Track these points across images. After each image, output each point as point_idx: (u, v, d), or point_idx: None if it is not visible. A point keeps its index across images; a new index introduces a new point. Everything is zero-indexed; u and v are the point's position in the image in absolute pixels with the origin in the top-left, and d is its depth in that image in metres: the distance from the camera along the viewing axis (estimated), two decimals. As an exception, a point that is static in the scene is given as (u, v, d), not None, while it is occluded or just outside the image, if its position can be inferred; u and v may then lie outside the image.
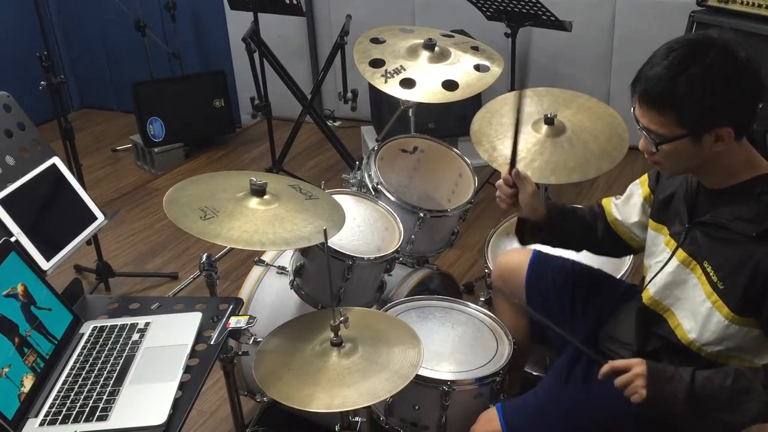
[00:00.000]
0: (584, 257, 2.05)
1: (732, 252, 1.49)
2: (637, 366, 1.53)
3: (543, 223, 1.86)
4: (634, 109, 1.51)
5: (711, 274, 1.52)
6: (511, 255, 2.06)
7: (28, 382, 1.43)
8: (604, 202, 1.91)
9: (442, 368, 1.88)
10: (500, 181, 1.86)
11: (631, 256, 2.21)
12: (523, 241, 1.95)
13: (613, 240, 1.88)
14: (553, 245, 2.00)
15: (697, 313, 1.55)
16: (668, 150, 1.48)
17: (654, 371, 1.52)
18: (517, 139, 1.80)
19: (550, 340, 2.00)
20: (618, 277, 2.13)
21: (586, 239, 1.92)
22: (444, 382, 1.83)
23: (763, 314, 1.47)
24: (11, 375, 1.40)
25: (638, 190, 1.81)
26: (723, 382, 1.47)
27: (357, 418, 1.74)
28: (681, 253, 1.60)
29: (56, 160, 1.90)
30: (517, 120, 1.77)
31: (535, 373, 2.32)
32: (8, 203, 1.70)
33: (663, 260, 1.65)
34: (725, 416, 1.48)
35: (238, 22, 4.52)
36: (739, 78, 1.41)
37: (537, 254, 2.03)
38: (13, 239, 1.64)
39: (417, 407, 1.88)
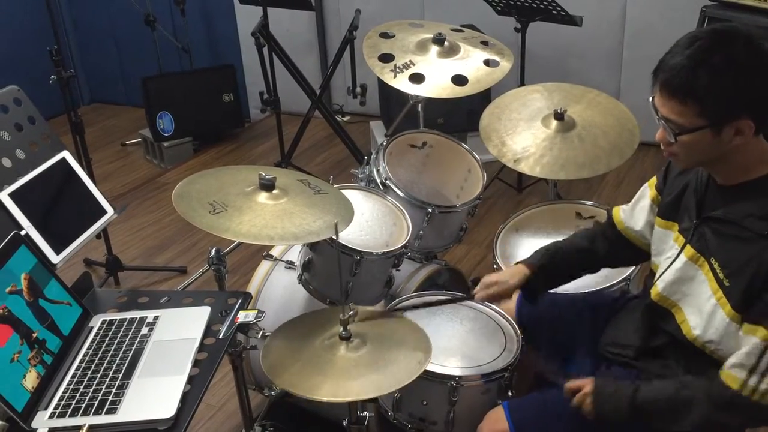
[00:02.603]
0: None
1: (741, 249, 1.47)
2: (587, 385, 1.62)
3: (536, 280, 1.87)
4: (653, 99, 1.49)
5: (718, 271, 1.51)
6: (500, 306, 2.06)
7: (35, 376, 1.44)
8: (614, 211, 1.90)
9: (450, 364, 1.88)
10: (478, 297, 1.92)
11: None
12: (536, 301, 1.94)
13: (625, 247, 1.87)
14: (563, 284, 1.97)
15: (703, 309, 1.55)
16: (686, 141, 1.46)
17: (599, 388, 1.60)
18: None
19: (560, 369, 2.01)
20: (624, 277, 2.12)
21: (591, 262, 1.92)
22: (452, 377, 1.82)
23: (752, 309, 1.46)
24: (22, 360, 1.41)
25: (647, 192, 1.80)
26: (662, 395, 1.54)
27: (365, 413, 1.74)
28: (689, 250, 1.58)
29: (66, 154, 1.91)
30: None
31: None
32: (18, 197, 1.71)
33: (672, 256, 1.64)
34: (667, 426, 1.54)
35: (247, 17, 4.52)
36: (764, 70, 1.39)
37: (520, 302, 2.01)
38: (23, 232, 1.64)
39: (425, 402, 1.88)
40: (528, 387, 2.10)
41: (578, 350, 1.85)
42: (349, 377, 1.56)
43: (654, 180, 1.79)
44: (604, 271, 2.07)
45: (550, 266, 1.88)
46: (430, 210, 2.27)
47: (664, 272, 1.66)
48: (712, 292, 1.52)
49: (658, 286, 1.67)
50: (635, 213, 1.83)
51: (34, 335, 1.47)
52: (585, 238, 1.92)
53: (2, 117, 1.84)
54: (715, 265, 1.52)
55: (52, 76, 2.91)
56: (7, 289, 1.44)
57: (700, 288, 1.56)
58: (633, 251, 1.87)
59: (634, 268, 2.17)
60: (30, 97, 1.93)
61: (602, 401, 1.59)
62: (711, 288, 1.53)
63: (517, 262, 1.92)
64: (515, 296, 1.98)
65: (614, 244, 1.88)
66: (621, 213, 1.88)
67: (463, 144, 2.55)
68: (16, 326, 1.43)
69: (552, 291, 1.97)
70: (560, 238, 2.02)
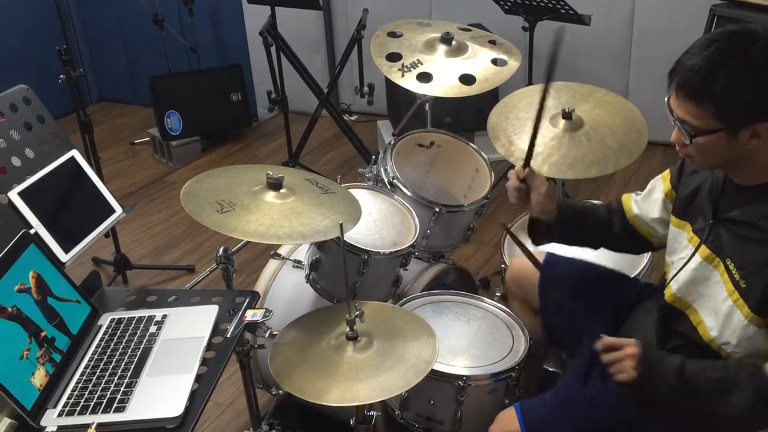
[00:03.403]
0: (602, 256, 2.04)
1: (757, 250, 1.46)
2: (632, 346, 1.54)
3: (555, 224, 1.85)
4: (668, 99, 1.48)
5: (733, 272, 1.49)
6: (523, 259, 2.05)
7: (43, 374, 1.45)
8: (624, 198, 1.89)
9: (457, 363, 1.88)
10: (512, 173, 1.84)
11: (649, 253, 2.19)
12: (536, 241, 1.94)
13: (632, 236, 1.86)
14: (568, 244, 1.98)
15: (719, 310, 1.53)
16: (702, 143, 1.45)
17: (646, 351, 1.54)
18: (536, 135, 1.79)
19: (564, 342, 1.99)
20: (635, 274, 2.11)
21: (602, 237, 1.91)
22: (459, 377, 1.82)
23: None
24: (31, 358, 1.42)
25: (660, 185, 1.79)
26: (712, 373, 1.48)
27: (372, 412, 1.74)
28: (704, 250, 1.57)
29: (75, 153, 1.92)
30: (538, 115, 1.76)
31: (551, 369, 2.31)
32: (28, 196, 1.72)
33: (686, 257, 1.62)
34: (710, 406, 1.48)
35: (255, 16, 4.53)
36: None
37: (549, 257, 2.01)
38: (32, 231, 1.65)
39: (432, 402, 1.88)
40: (535, 384, 2.10)
41: (591, 332, 1.82)
42: (356, 379, 1.56)
43: (668, 174, 1.77)
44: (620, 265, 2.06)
45: (572, 217, 1.86)
46: (437, 209, 2.26)
47: (677, 273, 1.64)
48: (728, 294, 1.51)
49: (672, 287, 1.66)
50: (648, 204, 1.82)
51: (43, 333, 1.47)
52: (604, 211, 1.90)
53: (12, 116, 1.85)
54: (731, 267, 1.50)
55: (61, 76, 2.91)
56: (16, 288, 1.45)
57: (715, 289, 1.55)
58: (638, 241, 1.86)
59: (644, 266, 2.17)
60: (39, 97, 1.94)
61: (649, 365, 1.52)
62: (727, 289, 1.51)
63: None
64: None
65: (622, 229, 1.87)
66: (632, 202, 1.86)
67: (471, 143, 2.54)
68: (26, 324, 1.44)
69: (586, 259, 1.97)
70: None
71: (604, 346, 1.58)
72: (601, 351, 1.58)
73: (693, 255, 1.60)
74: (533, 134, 1.78)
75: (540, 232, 1.90)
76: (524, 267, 2.02)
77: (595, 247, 1.97)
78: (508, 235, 2.40)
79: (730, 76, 1.37)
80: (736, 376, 1.46)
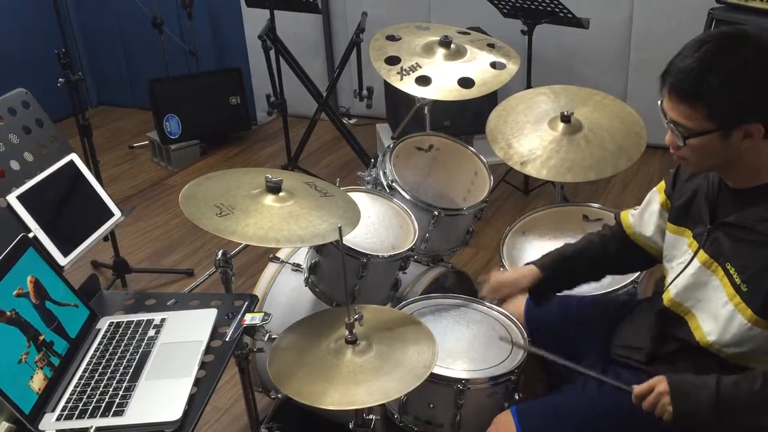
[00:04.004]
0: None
1: (758, 254, 1.46)
2: (659, 384, 1.51)
3: (545, 283, 1.87)
4: (661, 102, 1.48)
5: (734, 276, 1.49)
6: (507, 306, 2.05)
7: (42, 378, 1.44)
8: (622, 215, 1.89)
9: (456, 367, 1.87)
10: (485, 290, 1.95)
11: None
12: (540, 303, 1.95)
13: (633, 252, 1.86)
14: (571, 288, 1.97)
15: (719, 315, 1.53)
16: (696, 145, 1.45)
17: (676, 385, 1.49)
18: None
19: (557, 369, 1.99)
20: (631, 280, 2.11)
21: (600, 269, 1.93)
22: (458, 380, 1.82)
23: None
24: (29, 362, 1.42)
25: (656, 197, 1.79)
26: (752, 387, 1.44)
27: (371, 416, 1.74)
28: (702, 255, 1.57)
29: (74, 157, 1.92)
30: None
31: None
32: (26, 199, 1.72)
33: (684, 262, 1.62)
34: (753, 420, 1.44)
35: (254, 20, 4.53)
36: None
37: (528, 306, 2.01)
38: (31, 235, 1.65)
39: (431, 405, 1.88)
40: (535, 390, 2.10)
41: (587, 354, 1.83)
42: (355, 383, 1.56)
43: (662, 185, 1.78)
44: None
45: (561, 270, 1.87)
46: (436, 213, 2.26)
47: (676, 278, 1.64)
48: (728, 298, 1.51)
49: (671, 292, 1.66)
50: (645, 218, 1.82)
51: (41, 338, 1.47)
52: (596, 241, 1.91)
53: (10, 120, 1.85)
54: (731, 271, 1.50)
55: (60, 79, 2.92)
56: (15, 292, 1.45)
57: (714, 294, 1.54)
58: (643, 256, 1.86)
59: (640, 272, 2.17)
60: (38, 100, 1.94)
61: (682, 398, 1.47)
62: (727, 293, 1.51)
63: (528, 263, 1.91)
64: (523, 298, 1.98)
65: (624, 249, 1.87)
66: (630, 218, 1.87)
67: (470, 147, 2.54)
68: (24, 328, 1.43)
69: (560, 294, 1.97)
70: (567, 241, 2.02)
71: (636, 398, 1.54)
72: (636, 402, 1.54)
73: (692, 260, 1.60)
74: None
75: (537, 297, 1.93)
76: (511, 312, 2.03)
77: (598, 279, 1.98)
78: (507, 238, 2.40)
79: (721, 77, 1.38)
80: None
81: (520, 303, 2.01)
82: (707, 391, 1.46)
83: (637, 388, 1.55)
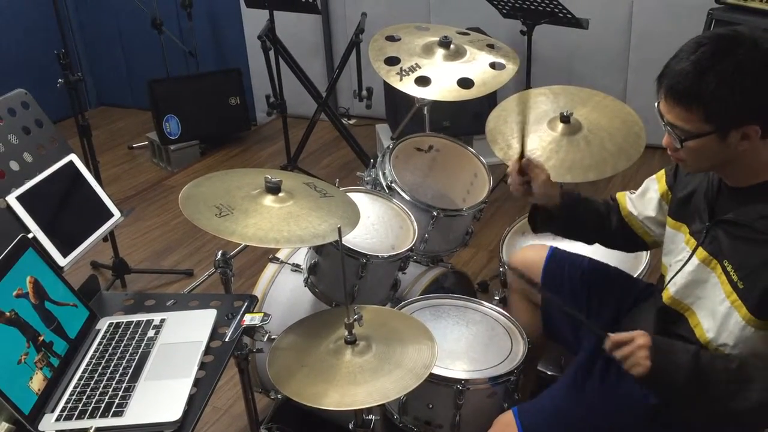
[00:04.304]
0: (602, 255, 2.04)
1: (755, 251, 1.46)
2: (641, 337, 1.52)
3: (556, 211, 1.85)
4: (658, 104, 1.49)
5: (731, 273, 1.50)
6: (526, 251, 2.06)
7: (41, 379, 1.44)
8: (619, 196, 1.90)
9: (456, 367, 1.88)
10: (510, 169, 1.86)
11: (648, 254, 2.20)
12: (536, 229, 1.95)
13: (626, 234, 1.87)
14: (565, 235, 1.98)
15: (716, 312, 1.54)
16: (693, 147, 1.46)
17: (658, 343, 1.52)
18: (526, 131, 1.82)
19: (564, 337, 1.99)
20: (635, 275, 2.11)
21: (599, 231, 1.92)
22: (458, 381, 1.82)
23: None
24: (29, 362, 1.42)
25: (654, 185, 1.80)
26: (727, 365, 1.47)
27: (371, 416, 1.74)
28: (701, 252, 1.58)
29: (73, 157, 1.92)
30: (523, 115, 1.81)
31: (549, 373, 2.31)
32: (26, 200, 1.72)
33: (683, 259, 1.63)
34: (724, 398, 1.47)
35: (253, 20, 4.53)
36: None
37: (553, 250, 2.02)
38: (30, 236, 1.65)
39: (431, 406, 1.88)
40: (532, 386, 2.10)
41: (592, 318, 1.81)
42: (354, 383, 1.56)
43: (662, 174, 1.78)
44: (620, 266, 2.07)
45: (572, 206, 1.87)
46: (435, 213, 2.26)
47: (675, 275, 1.65)
48: (725, 295, 1.51)
49: (670, 290, 1.66)
50: (642, 203, 1.83)
51: (41, 338, 1.47)
52: (602, 205, 1.91)
53: (10, 120, 1.85)
54: (729, 268, 1.51)
55: (60, 80, 2.91)
56: (14, 293, 1.45)
57: (713, 291, 1.55)
58: (632, 239, 1.87)
59: (644, 267, 2.17)
60: (37, 101, 1.94)
61: (661, 355, 1.49)
62: (724, 291, 1.52)
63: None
64: (544, 250, 1.98)
65: (619, 226, 1.88)
66: (627, 200, 1.88)
67: (470, 148, 2.54)
68: (24, 329, 1.43)
69: (587, 256, 1.98)
70: (566, 241, 2.02)
71: (613, 344, 1.55)
72: (611, 349, 1.55)
73: (690, 257, 1.60)
74: (522, 130, 1.81)
75: (540, 220, 1.91)
76: (526, 260, 2.03)
77: (590, 242, 1.97)
78: (506, 238, 2.40)
79: (717, 79, 1.38)
80: (751, 369, 1.46)
81: (542, 250, 2.01)
82: (686, 355, 1.49)
83: (616, 335, 1.55)
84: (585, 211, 1.90)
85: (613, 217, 1.88)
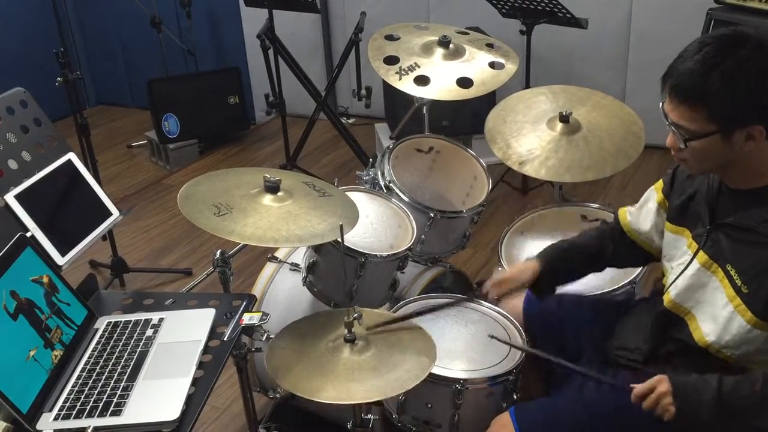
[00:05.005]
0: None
1: (758, 255, 1.46)
2: (661, 384, 1.50)
3: (548, 279, 1.87)
4: (663, 104, 1.48)
5: (735, 277, 1.49)
6: (505, 305, 2.05)
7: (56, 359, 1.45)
8: (620, 213, 1.90)
9: (454, 367, 1.87)
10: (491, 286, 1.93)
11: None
12: (542, 297, 1.94)
13: (631, 249, 1.86)
14: (572, 282, 1.97)
15: (718, 316, 1.53)
16: (697, 147, 1.45)
17: (679, 385, 1.49)
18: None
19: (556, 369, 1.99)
20: (631, 279, 2.11)
21: (599, 264, 1.92)
22: (456, 380, 1.82)
23: None
24: (38, 357, 1.42)
25: (653, 195, 1.79)
26: (752, 388, 1.44)
27: (369, 416, 1.74)
28: (702, 256, 1.57)
29: (72, 156, 1.91)
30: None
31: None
32: (24, 199, 1.71)
33: (684, 263, 1.62)
34: (755, 420, 1.44)
35: (252, 19, 4.53)
36: None
37: (527, 302, 2.01)
38: (28, 234, 1.65)
39: (429, 405, 1.87)
40: (532, 390, 2.09)
41: (585, 353, 1.83)
42: (352, 380, 1.56)
43: (660, 184, 1.78)
44: (611, 273, 2.07)
45: (560, 264, 1.87)
46: (432, 215, 2.26)
47: (676, 279, 1.64)
48: (728, 299, 1.50)
49: (671, 293, 1.65)
50: (642, 216, 1.83)
51: (47, 323, 1.47)
52: (593, 238, 1.91)
53: (8, 119, 1.85)
54: (732, 272, 1.50)
55: (58, 78, 2.91)
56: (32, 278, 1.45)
57: (714, 295, 1.54)
58: (639, 253, 1.87)
59: (640, 270, 2.17)
60: (36, 99, 1.94)
61: (685, 398, 1.47)
62: (727, 295, 1.51)
63: (527, 259, 1.91)
64: (521, 297, 1.98)
65: (620, 245, 1.88)
66: (627, 215, 1.87)
67: (470, 150, 2.54)
68: (33, 317, 1.43)
69: (558, 292, 1.97)
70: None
71: (636, 398, 1.53)
72: (636, 402, 1.54)
73: (691, 261, 1.60)
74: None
75: (538, 291, 1.92)
76: (509, 311, 2.03)
77: (600, 270, 1.97)
78: (505, 238, 2.40)
79: (722, 78, 1.37)
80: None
81: (518, 302, 2.01)
82: (709, 391, 1.45)
83: (638, 388, 1.54)
84: (573, 257, 1.90)
85: (607, 243, 1.88)
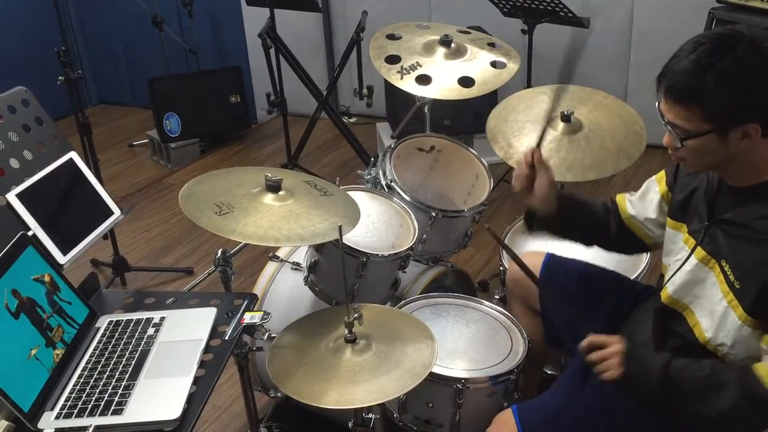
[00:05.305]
0: (603, 258, 2.04)
1: (752, 251, 1.46)
2: (615, 344, 1.55)
3: (553, 216, 1.84)
4: (659, 104, 1.49)
5: (728, 273, 1.50)
6: (523, 258, 2.04)
7: (57, 358, 1.45)
8: (618, 198, 1.89)
9: (456, 366, 1.87)
10: (521, 158, 1.82)
11: (648, 255, 2.19)
12: (532, 229, 1.94)
13: (626, 237, 1.86)
14: (561, 237, 1.97)
15: (714, 312, 1.54)
16: (693, 146, 1.46)
17: (632, 350, 1.54)
18: (547, 125, 1.82)
19: (564, 342, 1.99)
20: (634, 276, 2.11)
21: (597, 235, 1.91)
22: (458, 380, 1.82)
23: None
24: (40, 356, 1.42)
25: (655, 186, 1.79)
26: (698, 372, 1.48)
27: (370, 415, 1.74)
28: (700, 252, 1.58)
29: (73, 155, 1.91)
30: (553, 106, 1.83)
31: (549, 372, 2.31)
32: (26, 197, 1.71)
33: (682, 258, 1.63)
34: (695, 405, 1.48)
35: (254, 18, 4.53)
36: None
37: (550, 257, 2.01)
38: (30, 233, 1.65)
39: (431, 405, 1.88)
40: (535, 388, 2.10)
41: (590, 327, 1.82)
42: (354, 382, 1.56)
43: (663, 175, 1.77)
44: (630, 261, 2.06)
45: (569, 209, 1.85)
46: (433, 214, 2.26)
47: (674, 274, 1.65)
48: (723, 295, 1.51)
49: (669, 289, 1.66)
50: (643, 205, 1.82)
51: (48, 322, 1.47)
52: (602, 210, 1.90)
53: (10, 118, 1.85)
54: (726, 267, 1.51)
55: (60, 77, 2.91)
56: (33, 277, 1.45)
57: (711, 290, 1.55)
58: (634, 242, 1.87)
59: (644, 267, 2.17)
60: (38, 98, 1.94)
61: (633, 362, 1.52)
62: (722, 290, 1.52)
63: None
64: (542, 254, 1.98)
65: (618, 230, 1.88)
66: (627, 202, 1.87)
67: (471, 149, 2.54)
68: (34, 316, 1.43)
69: (585, 260, 1.97)
70: (566, 241, 2.02)
71: (589, 345, 1.58)
72: (586, 350, 1.58)
73: (689, 257, 1.60)
74: (546, 119, 1.82)
75: (537, 222, 1.90)
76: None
77: (588, 244, 1.96)
78: (506, 237, 2.40)
79: (716, 77, 1.38)
80: (723, 376, 1.46)
81: (538, 257, 2.00)
82: (658, 365, 1.50)
83: (593, 337, 1.58)
84: (583, 216, 1.89)
85: (612, 220, 1.87)
